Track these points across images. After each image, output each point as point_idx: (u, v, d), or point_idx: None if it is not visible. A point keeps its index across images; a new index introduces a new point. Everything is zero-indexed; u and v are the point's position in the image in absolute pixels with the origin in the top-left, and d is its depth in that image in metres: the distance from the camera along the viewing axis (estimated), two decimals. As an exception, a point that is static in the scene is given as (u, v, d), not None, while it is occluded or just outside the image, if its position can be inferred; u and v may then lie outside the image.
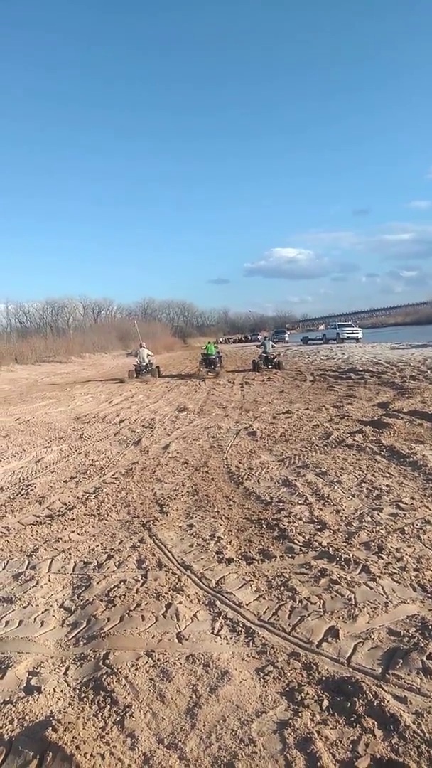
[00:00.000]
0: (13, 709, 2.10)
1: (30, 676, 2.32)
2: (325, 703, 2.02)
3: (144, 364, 19.55)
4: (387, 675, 2.16)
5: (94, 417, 10.27)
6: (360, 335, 39.54)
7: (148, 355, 20.05)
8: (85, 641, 2.58)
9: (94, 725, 1.97)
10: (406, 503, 4.17)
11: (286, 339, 55.71)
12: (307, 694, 2.07)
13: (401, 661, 2.24)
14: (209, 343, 20.90)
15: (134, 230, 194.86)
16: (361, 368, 15.55)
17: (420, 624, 2.51)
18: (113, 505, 4.66)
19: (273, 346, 20.88)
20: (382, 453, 5.78)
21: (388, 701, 1.98)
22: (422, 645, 2.33)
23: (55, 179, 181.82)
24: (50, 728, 1.90)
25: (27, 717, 2.04)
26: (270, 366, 18.57)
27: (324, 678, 2.17)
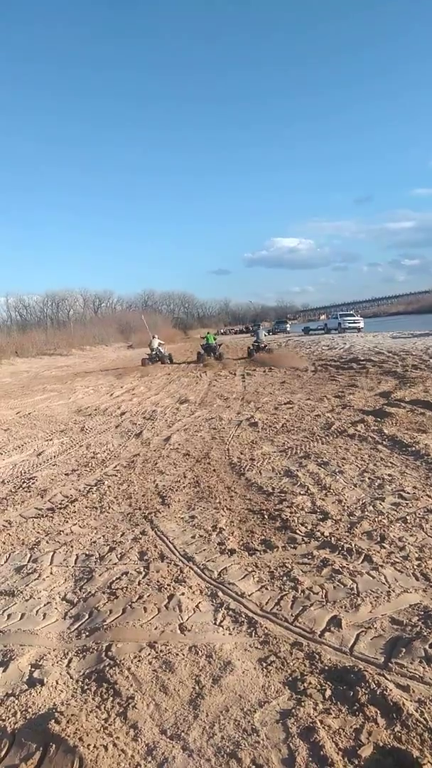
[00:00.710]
0: (16, 701, 2.10)
1: (32, 669, 2.32)
2: (328, 692, 2.02)
3: (155, 352, 21.79)
4: (390, 664, 2.16)
5: (96, 409, 10.27)
6: (362, 325, 39.34)
7: (159, 344, 22.49)
8: (87, 633, 2.58)
9: (96, 717, 1.97)
10: (408, 493, 4.16)
11: (288, 329, 55.58)
12: (310, 683, 2.07)
13: (404, 650, 2.23)
14: (209, 333, 23.76)
15: (134, 222, 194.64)
16: (362, 358, 15.49)
17: (423, 613, 2.51)
18: (115, 498, 4.66)
19: (265, 335, 23.39)
20: (384, 443, 5.76)
21: (390, 690, 1.98)
22: (425, 634, 2.32)
23: (54, 171, 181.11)
24: (53, 720, 1.91)
25: (30, 709, 2.05)
26: (262, 352, 20.40)
27: (326, 667, 2.17)
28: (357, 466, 5.02)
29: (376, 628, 2.43)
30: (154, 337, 23.03)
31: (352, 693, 1.99)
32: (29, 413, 10.39)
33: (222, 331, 75.44)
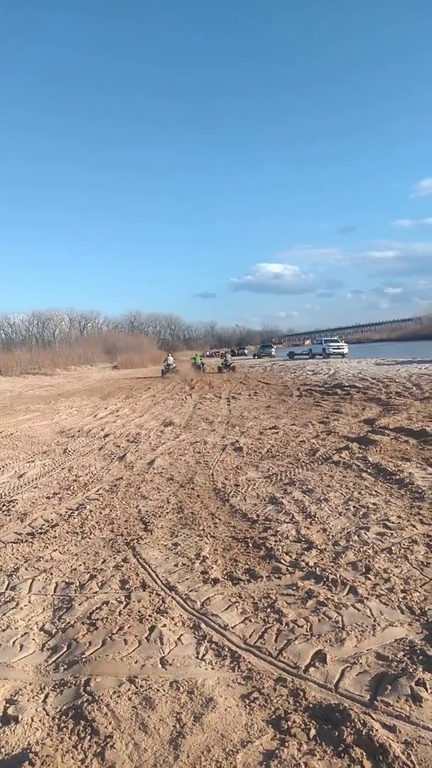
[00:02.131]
0: (-11, 740, 2.01)
1: (7, 705, 2.23)
2: (313, 732, 1.97)
3: (171, 367, 30.26)
4: (375, 702, 2.12)
5: (79, 431, 10.14)
6: (346, 350, 39.80)
7: (173, 360, 32.06)
8: (65, 666, 2.50)
9: (73, 758, 1.89)
10: (393, 522, 4.15)
11: (273, 353, 56.02)
12: (294, 722, 2.02)
13: (390, 687, 2.19)
14: (196, 354, 35.45)
15: (122, 242, 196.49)
16: (347, 384, 15.63)
17: (408, 648, 2.47)
18: (96, 523, 4.57)
19: (231, 358, 33.62)
20: (369, 470, 5.77)
21: (376, 730, 1.93)
22: (411, 670, 2.29)
23: (42, 190, 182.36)
24: (27, 762, 1.82)
25: (2, 749, 1.96)
26: (227, 369, 29.51)
27: (311, 705, 2.12)
28: (342, 494, 5.01)
29: (361, 663, 2.38)
30: (168, 355, 33.94)
31: (337, 733, 1.94)
32: (11, 433, 10.22)
33: (208, 353, 76.80)
